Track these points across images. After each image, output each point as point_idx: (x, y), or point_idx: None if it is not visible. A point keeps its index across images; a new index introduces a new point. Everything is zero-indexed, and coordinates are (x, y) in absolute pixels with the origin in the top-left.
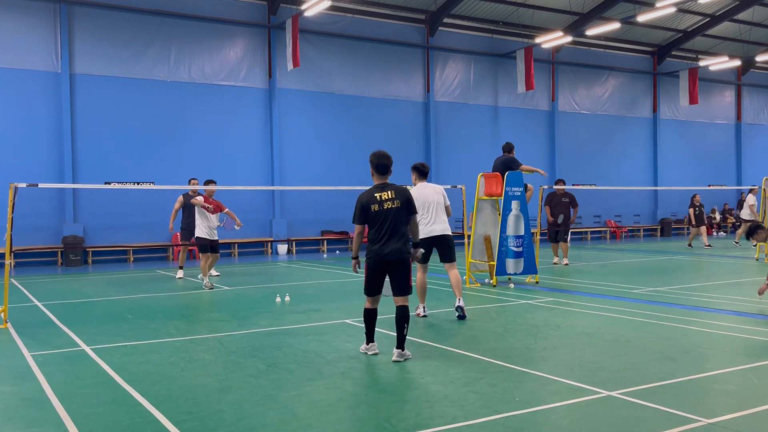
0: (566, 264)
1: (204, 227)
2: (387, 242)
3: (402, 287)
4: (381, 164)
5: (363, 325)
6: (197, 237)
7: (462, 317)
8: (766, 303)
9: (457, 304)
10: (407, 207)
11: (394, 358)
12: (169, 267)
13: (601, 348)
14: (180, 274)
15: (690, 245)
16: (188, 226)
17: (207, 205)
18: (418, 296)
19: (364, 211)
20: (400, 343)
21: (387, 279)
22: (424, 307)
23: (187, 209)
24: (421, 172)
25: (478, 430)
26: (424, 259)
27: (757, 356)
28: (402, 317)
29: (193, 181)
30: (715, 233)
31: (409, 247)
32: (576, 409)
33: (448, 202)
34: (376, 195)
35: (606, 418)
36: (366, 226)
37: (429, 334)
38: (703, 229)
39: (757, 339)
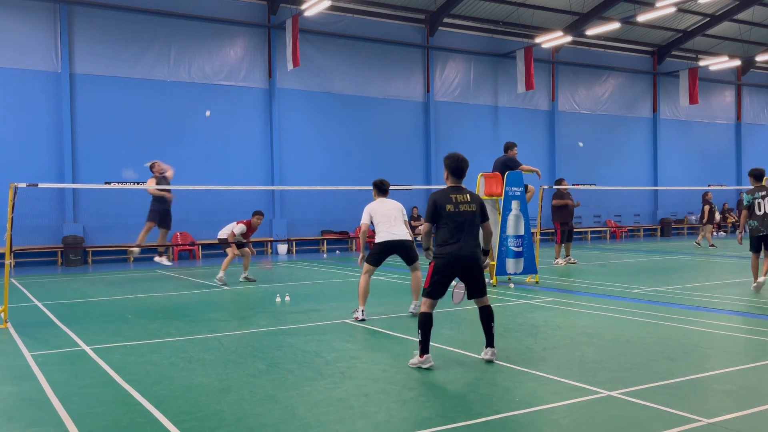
0: (571, 263)
1: None
2: (464, 244)
3: (482, 288)
4: (457, 168)
5: (363, 326)
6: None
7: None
8: (767, 303)
9: (412, 306)
10: (482, 213)
11: (488, 357)
12: (168, 267)
13: (601, 348)
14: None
15: (699, 243)
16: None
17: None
18: (359, 299)
19: (437, 211)
20: (491, 341)
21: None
22: (362, 311)
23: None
24: (381, 189)
25: (478, 430)
26: (375, 263)
27: (757, 356)
28: (489, 316)
29: (156, 164)
30: (715, 233)
31: (481, 250)
32: (576, 409)
33: (406, 218)
34: (451, 196)
35: (606, 418)
36: (434, 226)
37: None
38: (708, 227)
39: (757, 339)
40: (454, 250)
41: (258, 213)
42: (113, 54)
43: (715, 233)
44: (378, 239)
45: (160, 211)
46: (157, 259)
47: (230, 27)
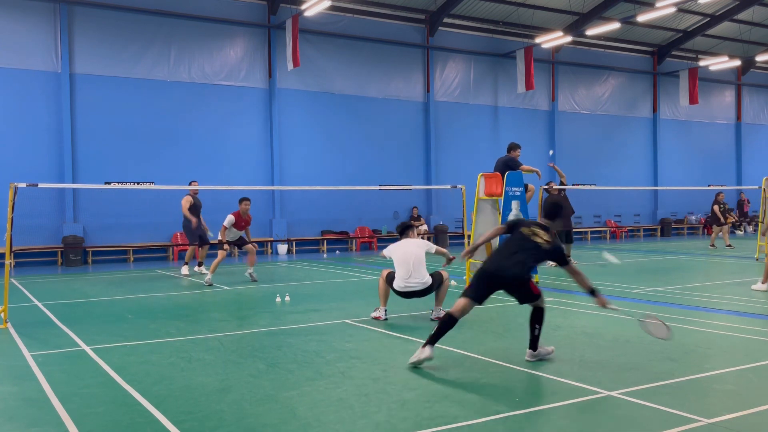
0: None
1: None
2: (507, 263)
3: (528, 298)
4: (552, 212)
5: (363, 326)
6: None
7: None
8: (767, 303)
9: (434, 313)
10: (554, 254)
11: (526, 357)
12: (168, 267)
13: (601, 348)
14: (187, 270)
15: (729, 245)
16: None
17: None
18: (380, 299)
19: (515, 225)
20: (531, 343)
21: None
22: (384, 310)
23: (195, 209)
24: (400, 232)
25: (478, 430)
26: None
27: (757, 356)
28: (534, 317)
29: (193, 183)
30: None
31: (528, 275)
32: (576, 409)
33: (432, 249)
34: (533, 227)
35: (606, 418)
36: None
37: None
38: (726, 228)
39: (757, 339)
40: (492, 266)
41: (244, 199)
42: (113, 54)
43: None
44: (394, 284)
45: (192, 230)
46: (197, 268)
47: (230, 27)
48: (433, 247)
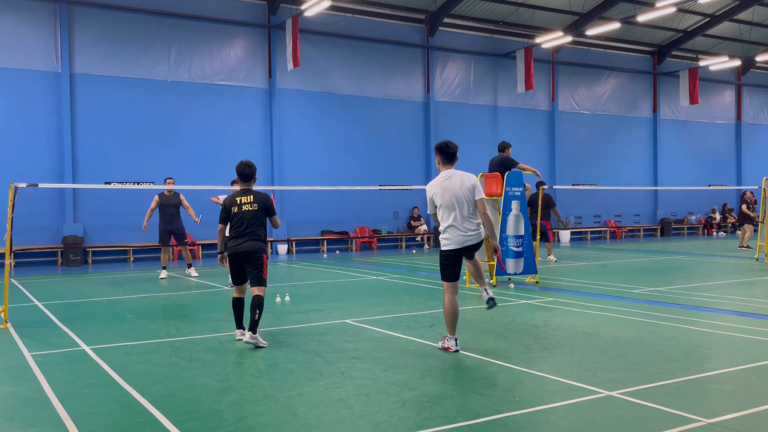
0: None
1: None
2: (240, 237)
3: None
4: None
5: (363, 326)
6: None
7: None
8: (767, 303)
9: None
10: (266, 208)
11: (245, 339)
12: (168, 267)
13: (601, 348)
14: (164, 274)
15: (742, 246)
16: (165, 228)
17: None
18: (447, 326)
19: (230, 206)
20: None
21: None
22: (456, 340)
23: (163, 210)
24: (445, 154)
25: (478, 430)
26: (452, 277)
27: (757, 356)
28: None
29: (168, 181)
30: (715, 233)
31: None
32: (576, 409)
33: (482, 196)
34: (238, 197)
35: (606, 418)
36: None
37: (429, 334)
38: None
39: (757, 339)
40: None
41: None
42: (113, 54)
43: (715, 233)
44: (444, 243)
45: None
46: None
47: (230, 27)
48: (482, 194)
